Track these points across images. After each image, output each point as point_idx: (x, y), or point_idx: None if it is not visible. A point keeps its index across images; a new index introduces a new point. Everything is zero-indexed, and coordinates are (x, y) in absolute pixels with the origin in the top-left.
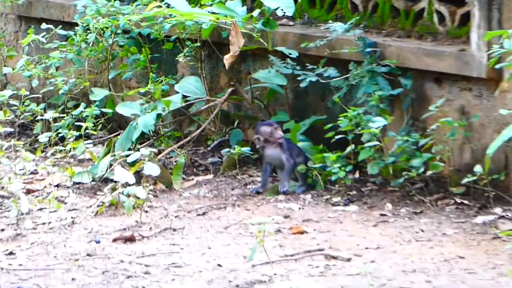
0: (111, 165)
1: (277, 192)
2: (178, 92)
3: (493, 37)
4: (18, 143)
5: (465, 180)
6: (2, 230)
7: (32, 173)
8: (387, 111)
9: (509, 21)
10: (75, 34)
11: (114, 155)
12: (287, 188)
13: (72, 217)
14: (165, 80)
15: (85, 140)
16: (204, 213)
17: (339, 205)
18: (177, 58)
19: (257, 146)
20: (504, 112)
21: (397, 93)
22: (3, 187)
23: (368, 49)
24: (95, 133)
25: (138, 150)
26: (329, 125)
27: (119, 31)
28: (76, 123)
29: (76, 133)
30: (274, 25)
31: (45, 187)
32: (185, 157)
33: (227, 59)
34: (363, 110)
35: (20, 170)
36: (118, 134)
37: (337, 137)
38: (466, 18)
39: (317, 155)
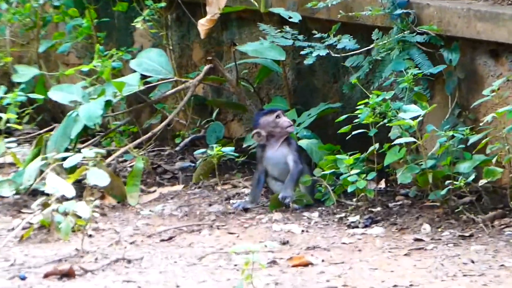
0: (41, 172)
1: (278, 204)
2: (135, 71)
3: None
4: None
5: None
6: None
7: None
8: (424, 97)
9: None
10: None
11: (46, 158)
12: (290, 197)
13: None
14: (117, 54)
15: (5, 137)
16: (170, 238)
17: (357, 226)
18: (133, 24)
19: (255, 144)
20: None
21: (438, 71)
22: None
23: (399, 11)
24: (19, 127)
25: (79, 151)
26: (344, 116)
27: None
28: None
29: None
30: None
31: None
32: (145, 161)
33: (203, 25)
34: (391, 95)
35: None
36: (52, 129)
37: (354, 132)
38: None
39: (327, 158)
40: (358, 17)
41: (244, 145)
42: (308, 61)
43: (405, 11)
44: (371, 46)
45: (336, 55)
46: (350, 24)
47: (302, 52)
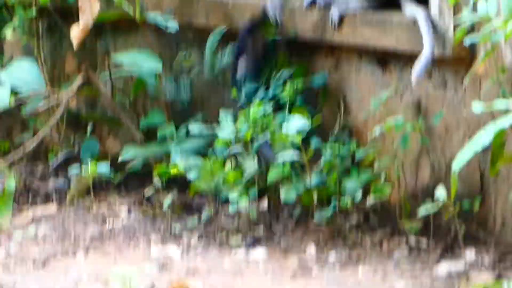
0: None
1: None
2: (4, 83)
3: None
4: None
5: (422, 211)
6: None
7: None
8: (304, 110)
9: None
10: None
11: None
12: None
13: None
14: None
15: None
16: (44, 263)
17: (239, 248)
18: (2, 33)
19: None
20: (478, 108)
21: (319, 84)
22: None
23: None
24: None
25: None
26: (223, 135)
27: None
28: None
29: None
30: None
31: None
32: (17, 180)
33: (76, 34)
34: (273, 107)
35: None
36: None
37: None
38: None
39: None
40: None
41: (120, 159)
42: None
43: None
44: None
45: None
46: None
47: None
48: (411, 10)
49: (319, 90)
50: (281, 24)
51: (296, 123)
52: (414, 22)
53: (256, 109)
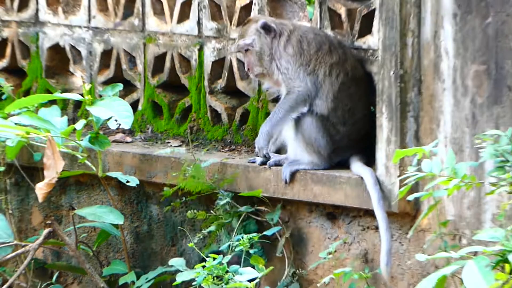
0: None
1: None
2: None
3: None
4: None
5: None
6: None
7: None
8: (261, 258)
9: (430, 134)
10: None
11: None
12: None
13: None
14: None
15: None
16: None
17: None
18: None
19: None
20: (421, 258)
21: (273, 233)
22: None
23: None
24: None
25: None
26: (180, 280)
27: None
28: None
29: None
30: (106, 142)
31: None
32: None
33: (41, 189)
34: (229, 258)
35: None
36: None
37: None
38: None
39: None
40: None
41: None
42: None
43: None
44: None
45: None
46: None
47: None
48: (357, 168)
49: (272, 241)
50: (268, 157)
51: (248, 272)
52: (362, 179)
53: (212, 260)
